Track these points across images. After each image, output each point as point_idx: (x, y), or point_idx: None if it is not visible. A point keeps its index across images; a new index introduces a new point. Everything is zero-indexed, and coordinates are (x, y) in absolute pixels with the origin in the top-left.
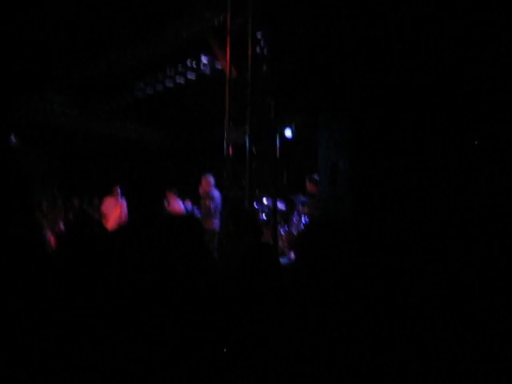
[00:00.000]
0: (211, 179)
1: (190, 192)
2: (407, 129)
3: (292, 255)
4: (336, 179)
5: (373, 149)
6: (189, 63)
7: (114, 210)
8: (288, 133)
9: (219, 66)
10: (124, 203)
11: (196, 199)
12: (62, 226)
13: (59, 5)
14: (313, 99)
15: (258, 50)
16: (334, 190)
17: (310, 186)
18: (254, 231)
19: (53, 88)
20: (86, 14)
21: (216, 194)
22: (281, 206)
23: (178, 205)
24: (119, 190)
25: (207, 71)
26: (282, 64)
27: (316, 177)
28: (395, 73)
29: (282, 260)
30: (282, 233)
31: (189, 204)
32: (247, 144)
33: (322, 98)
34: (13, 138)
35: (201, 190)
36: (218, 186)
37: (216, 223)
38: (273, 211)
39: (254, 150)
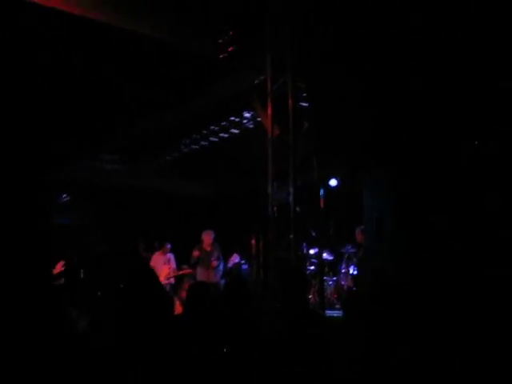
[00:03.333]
0: (212, 234)
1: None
2: (453, 186)
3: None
4: (382, 234)
5: (417, 206)
6: (233, 118)
7: (163, 266)
8: (333, 182)
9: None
10: (173, 259)
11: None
12: None
13: (103, 65)
14: (356, 155)
15: (298, 107)
16: (380, 244)
17: (359, 237)
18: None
19: (103, 148)
20: (131, 76)
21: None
22: (328, 256)
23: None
24: (169, 246)
25: (250, 125)
26: (324, 120)
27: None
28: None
29: (330, 312)
30: (331, 283)
31: (237, 257)
32: (291, 204)
33: (364, 153)
34: (64, 197)
35: (205, 246)
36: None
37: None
38: (319, 263)
39: (297, 208)
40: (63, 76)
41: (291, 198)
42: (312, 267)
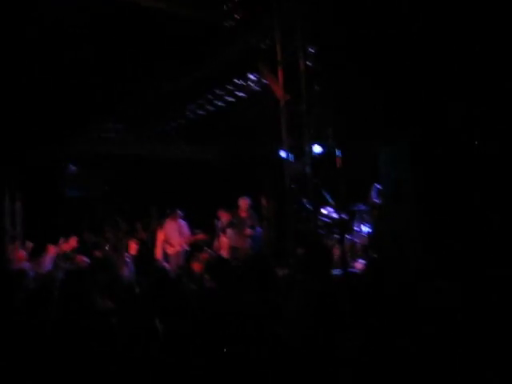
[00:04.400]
0: (248, 201)
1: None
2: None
3: (357, 264)
4: (399, 195)
5: (435, 165)
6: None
7: (175, 233)
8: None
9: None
10: (185, 225)
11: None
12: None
13: (107, 35)
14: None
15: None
16: (398, 205)
17: (373, 196)
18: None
19: (107, 117)
20: (134, 42)
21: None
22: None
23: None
24: (179, 213)
25: (256, 88)
26: (338, 86)
27: (378, 187)
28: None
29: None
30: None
31: None
32: (309, 175)
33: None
34: (71, 167)
35: (240, 211)
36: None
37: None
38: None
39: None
40: (66, 46)
41: (308, 169)
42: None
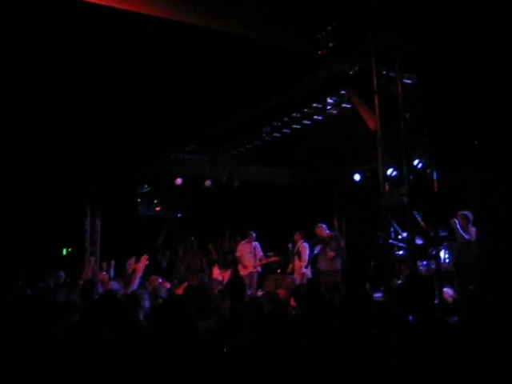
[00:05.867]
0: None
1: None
2: None
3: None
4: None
5: None
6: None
7: (249, 255)
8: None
9: (347, 106)
10: (258, 247)
11: None
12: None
13: (191, 64)
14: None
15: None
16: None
17: (463, 222)
18: None
19: (184, 139)
20: (217, 68)
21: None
22: (418, 240)
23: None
24: (254, 235)
25: (333, 111)
26: (437, 116)
27: (466, 214)
28: None
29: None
30: (421, 268)
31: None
32: (407, 205)
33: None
34: (145, 187)
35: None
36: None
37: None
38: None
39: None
40: (149, 74)
41: (406, 199)
42: (401, 252)
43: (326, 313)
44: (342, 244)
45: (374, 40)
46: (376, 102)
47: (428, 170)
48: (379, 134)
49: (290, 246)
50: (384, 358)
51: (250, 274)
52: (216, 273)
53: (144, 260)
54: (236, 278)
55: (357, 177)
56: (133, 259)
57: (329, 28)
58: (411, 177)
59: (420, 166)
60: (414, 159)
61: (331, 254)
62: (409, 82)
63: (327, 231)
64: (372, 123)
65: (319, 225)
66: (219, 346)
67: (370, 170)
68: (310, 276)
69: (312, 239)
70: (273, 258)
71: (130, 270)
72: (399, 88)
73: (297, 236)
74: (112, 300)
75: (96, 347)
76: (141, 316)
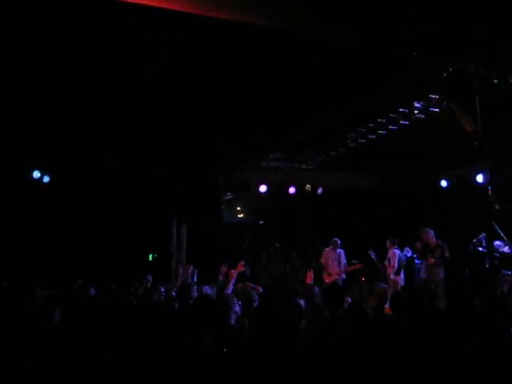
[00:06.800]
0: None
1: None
2: None
3: None
4: None
5: None
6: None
7: (334, 262)
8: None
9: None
10: (343, 254)
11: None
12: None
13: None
14: None
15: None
16: None
17: None
18: None
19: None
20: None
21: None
22: (507, 249)
23: (394, 254)
24: (339, 242)
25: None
26: None
27: None
28: None
29: None
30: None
31: (409, 251)
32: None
33: None
34: (228, 195)
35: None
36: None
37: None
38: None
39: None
40: (242, 83)
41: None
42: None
43: (430, 320)
44: (447, 254)
45: (475, 40)
46: (477, 103)
47: None
48: (480, 136)
49: (371, 253)
50: None
51: (335, 281)
52: (311, 278)
53: (240, 266)
54: (334, 285)
55: (443, 183)
56: (225, 266)
57: None
58: None
59: None
60: None
61: (432, 260)
62: None
63: (434, 239)
64: (470, 126)
65: (427, 230)
66: (321, 351)
67: (456, 175)
68: (401, 283)
69: (416, 243)
70: (356, 266)
71: (220, 277)
72: (503, 90)
73: (389, 243)
74: (208, 303)
75: (199, 350)
76: (232, 320)
